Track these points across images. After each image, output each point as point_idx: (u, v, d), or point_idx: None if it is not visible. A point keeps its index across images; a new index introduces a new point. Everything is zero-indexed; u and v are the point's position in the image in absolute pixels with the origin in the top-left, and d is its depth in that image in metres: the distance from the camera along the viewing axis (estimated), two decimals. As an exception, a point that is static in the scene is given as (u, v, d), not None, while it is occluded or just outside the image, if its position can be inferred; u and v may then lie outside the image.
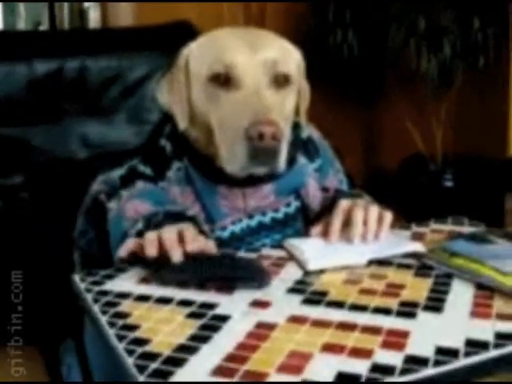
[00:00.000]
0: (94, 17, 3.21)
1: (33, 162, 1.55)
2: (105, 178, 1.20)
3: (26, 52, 1.62)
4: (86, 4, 3.33)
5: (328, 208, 1.14)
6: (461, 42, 2.66)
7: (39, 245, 1.40)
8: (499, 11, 2.67)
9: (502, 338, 0.75)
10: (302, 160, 1.21)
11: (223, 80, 1.04)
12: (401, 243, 1.05)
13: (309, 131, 1.25)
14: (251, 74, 1.03)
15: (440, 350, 0.72)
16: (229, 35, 1.09)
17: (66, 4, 3.50)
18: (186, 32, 1.68)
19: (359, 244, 1.04)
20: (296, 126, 1.19)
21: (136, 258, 0.97)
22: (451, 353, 0.72)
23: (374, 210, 1.06)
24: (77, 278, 0.96)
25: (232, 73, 1.04)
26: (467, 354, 0.71)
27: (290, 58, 1.11)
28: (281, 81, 1.06)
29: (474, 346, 0.73)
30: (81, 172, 1.53)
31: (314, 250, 1.01)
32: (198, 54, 1.10)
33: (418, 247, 1.02)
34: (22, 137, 1.56)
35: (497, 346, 0.73)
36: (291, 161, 1.15)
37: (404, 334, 0.76)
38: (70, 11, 3.50)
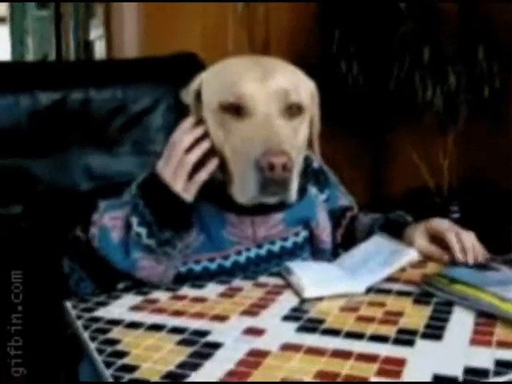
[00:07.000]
0: (99, 48, 3.24)
1: (33, 193, 1.54)
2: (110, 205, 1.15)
3: (29, 83, 1.61)
4: (92, 36, 3.37)
5: (382, 226, 1.19)
6: (466, 72, 2.66)
7: (34, 275, 1.39)
8: (503, 40, 2.67)
9: (503, 365, 0.72)
10: (312, 190, 1.21)
11: (235, 109, 1.02)
12: (395, 254, 1.03)
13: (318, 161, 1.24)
14: (262, 104, 1.01)
15: (438, 379, 0.70)
16: (240, 64, 1.07)
17: (71, 36, 3.55)
18: (191, 63, 1.68)
19: (357, 267, 1.03)
20: (306, 156, 1.18)
21: None
22: (449, 381, 0.69)
23: (468, 234, 1.12)
24: (69, 304, 0.94)
25: (243, 102, 1.01)
26: (466, 383, 0.69)
27: (303, 87, 1.09)
28: (293, 110, 1.04)
29: (474, 374, 0.71)
30: (83, 204, 1.53)
31: (311, 277, 0.99)
32: (209, 84, 1.07)
33: (412, 255, 1.02)
34: (24, 167, 1.55)
35: (497, 374, 0.71)
36: (302, 191, 1.13)
37: (401, 362, 0.74)
38: (76, 43, 3.55)
